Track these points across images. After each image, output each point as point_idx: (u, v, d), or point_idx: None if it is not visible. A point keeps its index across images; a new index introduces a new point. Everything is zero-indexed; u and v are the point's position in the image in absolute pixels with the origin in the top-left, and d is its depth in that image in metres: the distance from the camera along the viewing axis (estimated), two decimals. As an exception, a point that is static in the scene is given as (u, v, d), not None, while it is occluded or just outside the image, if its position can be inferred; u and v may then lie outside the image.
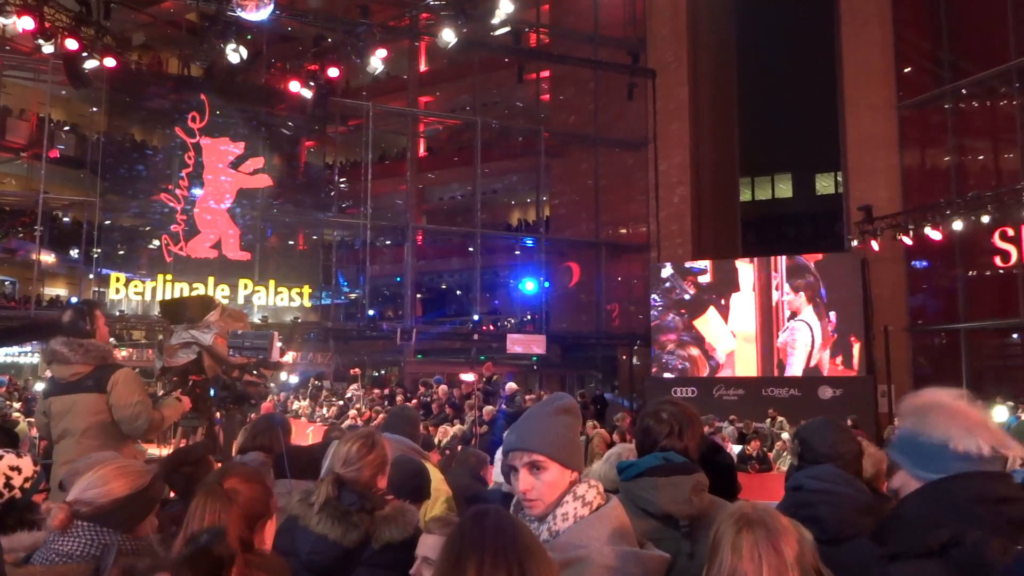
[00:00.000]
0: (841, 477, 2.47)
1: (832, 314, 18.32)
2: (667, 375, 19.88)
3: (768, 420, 15.17)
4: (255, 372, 4.67)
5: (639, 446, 2.48)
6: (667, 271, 20.49)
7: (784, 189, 34.95)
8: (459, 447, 7.72)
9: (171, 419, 4.43)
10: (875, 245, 18.16)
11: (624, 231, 25.06)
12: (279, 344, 5.35)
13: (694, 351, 19.77)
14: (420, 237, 23.92)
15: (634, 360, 23.80)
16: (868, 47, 20.45)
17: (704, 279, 19.84)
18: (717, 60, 25.58)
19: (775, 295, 18.95)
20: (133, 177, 20.10)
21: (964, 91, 19.24)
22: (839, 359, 18.24)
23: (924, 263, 20.06)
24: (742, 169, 28.37)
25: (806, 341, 18.54)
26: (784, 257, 19.24)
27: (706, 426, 11.98)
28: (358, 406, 13.96)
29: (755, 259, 19.87)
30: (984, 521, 1.55)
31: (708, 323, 19.74)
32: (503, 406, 13.95)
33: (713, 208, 24.37)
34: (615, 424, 11.42)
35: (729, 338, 19.42)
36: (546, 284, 22.68)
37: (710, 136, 24.43)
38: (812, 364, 18.44)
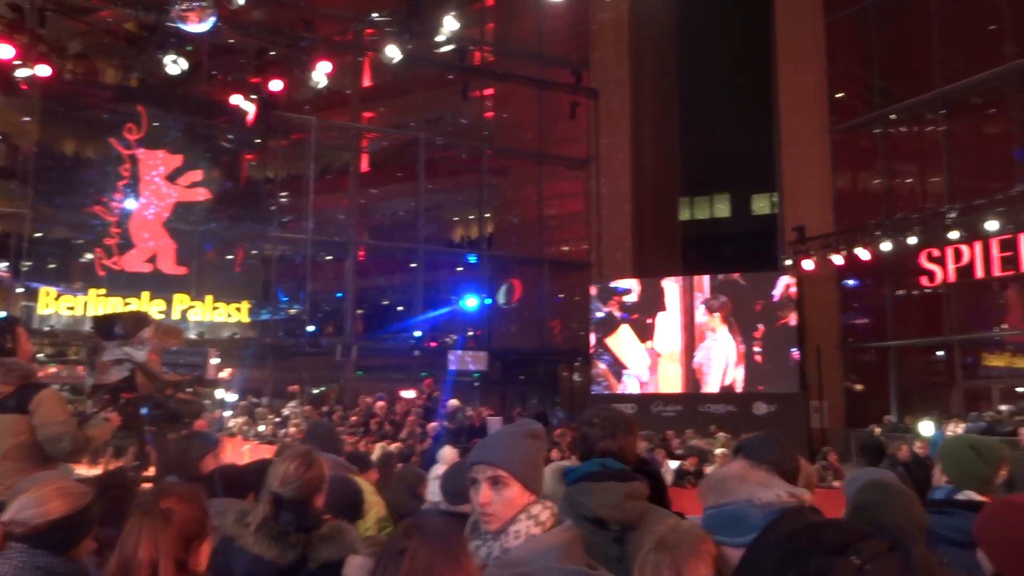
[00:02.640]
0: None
1: (757, 332, 18.66)
2: (604, 391, 20.03)
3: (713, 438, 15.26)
4: (190, 390, 4.58)
5: (580, 454, 2.54)
6: (593, 291, 20.71)
7: (722, 209, 35.65)
8: (399, 464, 7.66)
9: (98, 440, 4.30)
10: (808, 264, 18.63)
11: (567, 248, 25.25)
12: (216, 361, 5.25)
13: (612, 372, 20.03)
14: (362, 252, 23.74)
15: (575, 376, 23.93)
16: (803, 73, 21.04)
17: (630, 299, 20.07)
18: (658, 82, 26.04)
19: (698, 314, 19.26)
20: (66, 188, 19.56)
21: (893, 117, 19.93)
22: (754, 375, 18.58)
23: (855, 282, 20.63)
24: (682, 189, 28.87)
25: (720, 360, 18.87)
26: (708, 276, 19.56)
27: (645, 441, 12.11)
28: (296, 422, 13.75)
29: (680, 278, 20.19)
30: (811, 550, 1.59)
31: (619, 342, 19.96)
32: (444, 422, 13.91)
33: (654, 226, 24.73)
34: (555, 440, 11.45)
35: (643, 356, 19.62)
36: (488, 300, 22.70)
37: (651, 155, 24.82)
38: (727, 383, 18.79)
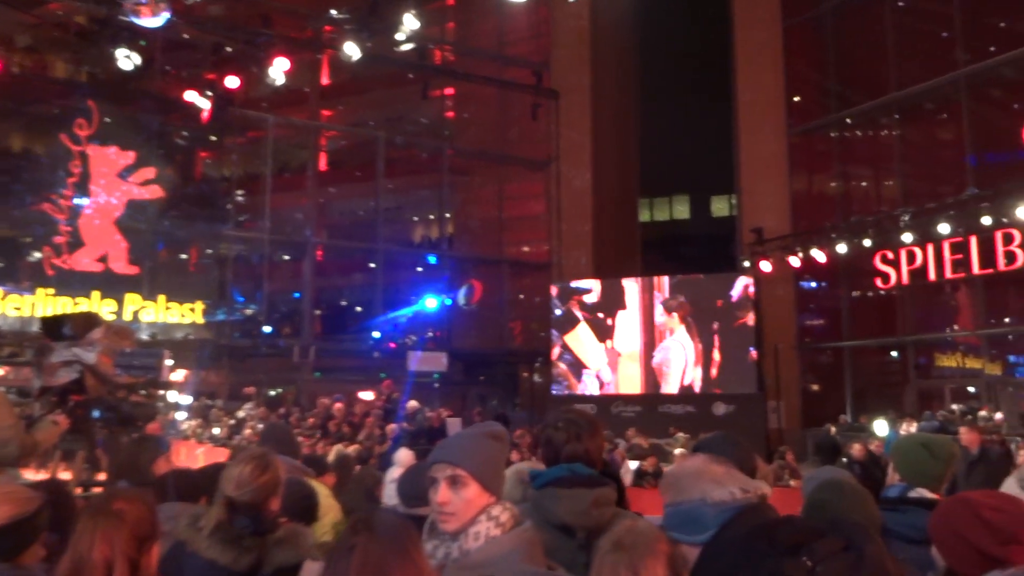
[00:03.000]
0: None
1: (716, 332, 18.84)
2: (564, 391, 20.08)
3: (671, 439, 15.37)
4: (144, 392, 4.49)
5: (544, 458, 2.53)
6: (554, 291, 20.77)
7: (682, 211, 36.01)
8: (356, 467, 7.61)
9: (45, 443, 4.21)
10: (766, 266, 18.88)
11: (527, 249, 25.31)
12: (169, 363, 5.16)
13: (572, 372, 20.12)
14: (320, 252, 23.53)
15: (535, 378, 23.98)
16: (761, 76, 21.33)
17: (590, 299, 20.14)
18: (619, 83, 26.20)
19: (657, 314, 19.39)
20: (13, 185, 19.10)
21: (849, 120, 20.29)
22: (712, 376, 18.77)
23: (811, 284, 20.97)
24: (642, 190, 29.10)
25: (679, 361, 19.02)
26: (667, 277, 19.71)
27: (605, 443, 12.18)
28: (252, 425, 13.59)
29: (639, 279, 20.33)
30: (765, 552, 1.60)
31: (578, 340, 20.04)
32: (404, 424, 13.85)
33: (614, 228, 24.89)
34: (514, 442, 11.46)
35: (601, 354, 19.73)
36: (448, 301, 22.65)
37: (612, 157, 24.97)
38: (686, 383, 18.97)
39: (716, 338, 18.78)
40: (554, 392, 20.38)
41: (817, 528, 1.57)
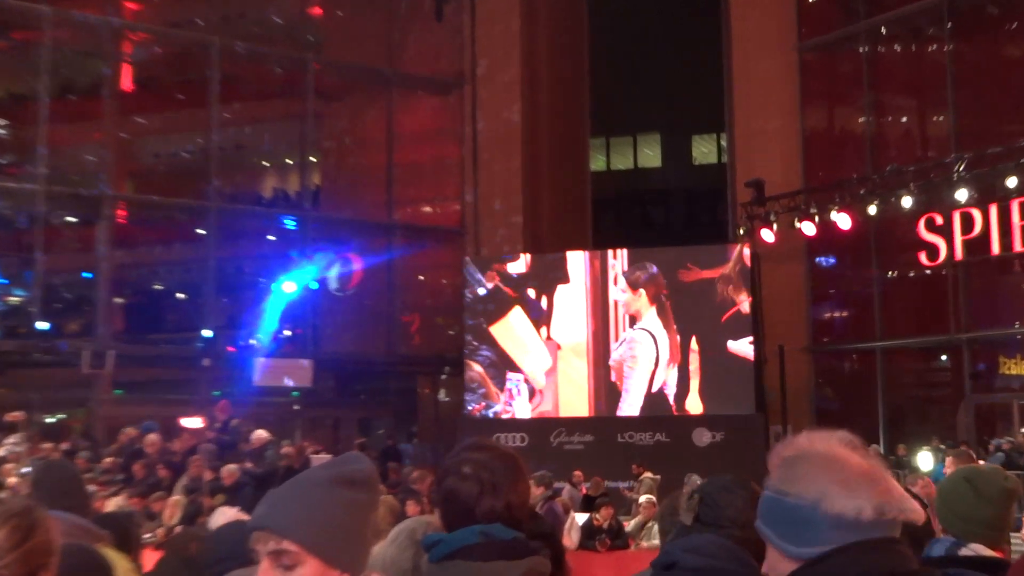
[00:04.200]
0: (727, 550, 2.54)
1: (698, 328, 19.03)
2: (481, 403, 20.06)
3: (635, 482, 15.54)
4: None
5: (445, 518, 2.48)
6: (471, 270, 20.71)
7: (651, 155, 36.32)
8: (178, 527, 7.49)
9: None
10: (768, 235, 19.14)
11: (429, 210, 25.24)
12: None
13: (491, 376, 20.09)
14: (123, 212, 23.07)
15: (442, 394, 23.97)
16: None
17: (516, 268, 20.21)
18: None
19: (615, 291, 19.42)
20: None
21: (883, 30, 20.64)
22: (693, 388, 19.01)
23: (831, 260, 21.35)
24: (594, 127, 29.24)
25: (649, 357, 19.14)
26: (627, 251, 19.78)
27: (541, 487, 12.22)
28: (17, 466, 13.31)
29: (589, 252, 20.40)
30: None
31: (511, 332, 20.11)
32: (248, 464, 13.70)
33: (555, 180, 24.96)
34: (410, 487, 11.44)
35: (543, 353, 19.81)
36: (314, 285, 22.46)
37: (551, 79, 25.01)
38: (655, 389, 19.11)
39: (697, 336, 18.97)
40: (469, 410, 20.34)
41: None
